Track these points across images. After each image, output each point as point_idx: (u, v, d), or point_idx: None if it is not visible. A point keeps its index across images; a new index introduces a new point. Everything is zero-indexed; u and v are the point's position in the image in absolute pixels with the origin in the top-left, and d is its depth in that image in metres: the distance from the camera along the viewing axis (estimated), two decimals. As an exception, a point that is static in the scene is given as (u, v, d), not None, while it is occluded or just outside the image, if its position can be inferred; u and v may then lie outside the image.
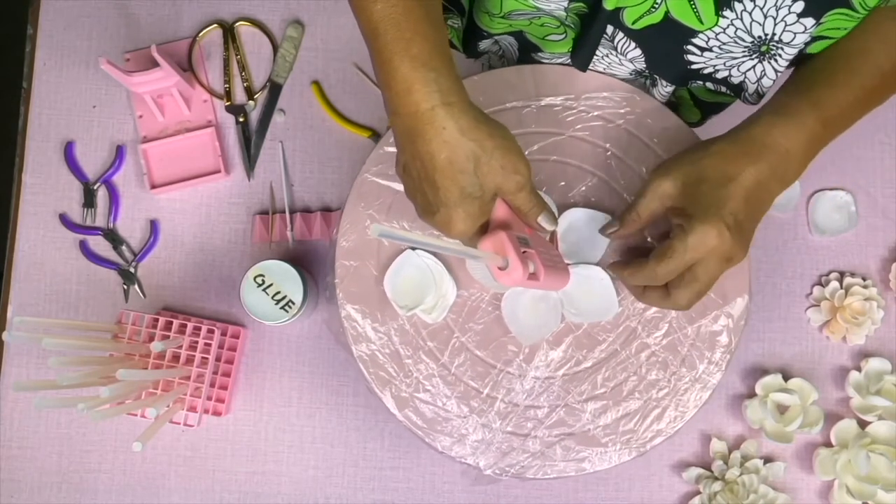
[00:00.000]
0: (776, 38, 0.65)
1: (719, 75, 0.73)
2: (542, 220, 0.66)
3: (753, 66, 0.70)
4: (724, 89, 0.76)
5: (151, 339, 0.85)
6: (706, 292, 0.65)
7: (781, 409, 0.85)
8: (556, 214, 0.72)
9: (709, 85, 0.76)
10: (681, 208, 0.65)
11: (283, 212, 0.90)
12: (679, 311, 0.73)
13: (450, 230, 0.63)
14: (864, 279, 0.88)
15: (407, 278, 0.74)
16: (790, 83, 0.68)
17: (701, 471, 0.85)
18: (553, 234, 0.73)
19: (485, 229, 0.65)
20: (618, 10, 0.67)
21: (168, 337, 0.85)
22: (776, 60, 0.68)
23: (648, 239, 0.74)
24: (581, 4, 0.69)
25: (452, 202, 0.61)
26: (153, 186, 0.90)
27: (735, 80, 0.73)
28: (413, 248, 0.74)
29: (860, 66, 0.65)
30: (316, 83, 0.93)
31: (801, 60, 0.69)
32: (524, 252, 0.63)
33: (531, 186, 0.64)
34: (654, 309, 0.73)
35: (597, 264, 0.73)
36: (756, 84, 0.73)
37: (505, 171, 0.62)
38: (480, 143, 0.60)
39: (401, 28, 0.59)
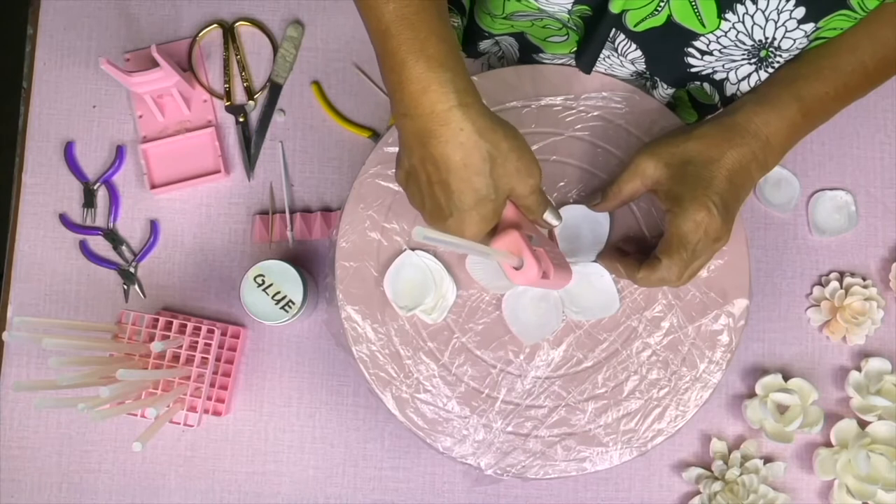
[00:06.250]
0: (776, 43, 0.65)
1: (717, 76, 0.73)
2: (548, 216, 0.66)
3: (749, 75, 0.71)
4: (717, 98, 0.76)
5: (151, 339, 0.85)
6: (697, 272, 0.66)
7: (781, 409, 0.85)
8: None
9: (706, 86, 0.76)
10: (666, 190, 0.66)
11: (283, 212, 0.90)
12: (680, 311, 0.73)
13: (462, 234, 0.62)
14: (864, 279, 0.88)
15: (407, 279, 0.74)
16: (775, 73, 0.69)
17: (701, 471, 0.85)
18: (551, 232, 0.73)
19: (493, 231, 0.65)
20: (622, 13, 0.67)
21: (168, 337, 0.85)
22: (772, 69, 0.69)
23: (645, 231, 0.74)
24: (585, 7, 0.69)
25: (466, 205, 0.60)
26: (153, 186, 0.90)
27: (730, 89, 0.74)
28: (413, 249, 0.75)
29: (846, 64, 0.65)
30: (316, 83, 0.93)
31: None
32: (535, 251, 0.63)
33: (541, 187, 0.64)
34: (655, 309, 0.73)
35: (595, 260, 0.73)
36: (736, 86, 0.73)
37: (520, 174, 0.61)
38: (496, 144, 0.59)
39: (415, 28, 0.58)
